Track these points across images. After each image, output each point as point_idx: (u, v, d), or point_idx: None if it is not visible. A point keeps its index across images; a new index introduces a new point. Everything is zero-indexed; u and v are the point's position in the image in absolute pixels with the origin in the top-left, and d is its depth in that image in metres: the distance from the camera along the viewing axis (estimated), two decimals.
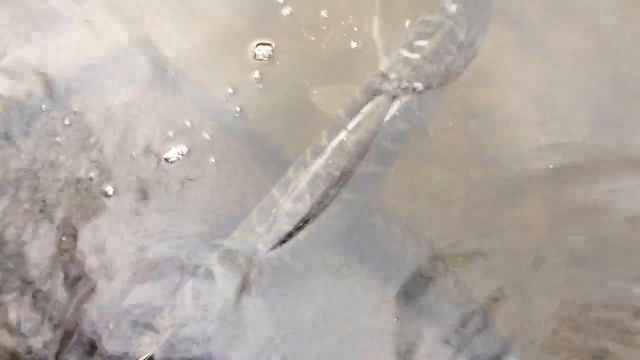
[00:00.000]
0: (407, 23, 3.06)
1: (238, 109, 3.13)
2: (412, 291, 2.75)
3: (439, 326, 2.71)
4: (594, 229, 2.79)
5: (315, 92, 2.93)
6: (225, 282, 2.60)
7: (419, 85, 2.76)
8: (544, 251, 2.77)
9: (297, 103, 3.11)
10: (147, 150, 3.02)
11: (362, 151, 2.66)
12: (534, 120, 2.95)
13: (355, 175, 2.66)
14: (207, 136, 3.05)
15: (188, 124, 3.09)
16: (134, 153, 3.01)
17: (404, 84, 2.75)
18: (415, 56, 2.78)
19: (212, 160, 3.01)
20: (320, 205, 2.62)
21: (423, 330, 2.68)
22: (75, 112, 3.09)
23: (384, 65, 2.88)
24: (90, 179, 2.93)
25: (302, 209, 2.60)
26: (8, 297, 2.72)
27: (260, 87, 3.14)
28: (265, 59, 3.17)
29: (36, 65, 3.19)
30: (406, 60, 2.79)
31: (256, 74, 3.15)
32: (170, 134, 3.05)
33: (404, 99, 2.74)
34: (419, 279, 2.78)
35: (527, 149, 2.91)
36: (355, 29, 3.17)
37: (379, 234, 2.87)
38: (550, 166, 2.88)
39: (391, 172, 2.84)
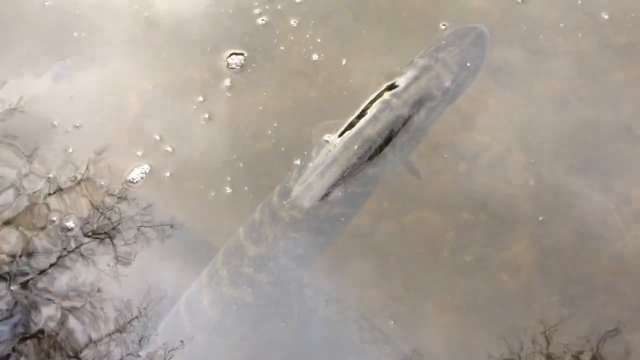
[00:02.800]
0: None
1: (206, 115, 3.00)
2: None
3: None
4: (583, 270, 2.76)
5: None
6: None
7: (395, 129, 2.56)
8: (534, 292, 2.74)
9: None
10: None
11: (328, 194, 2.48)
12: (520, 162, 2.94)
13: (319, 218, 2.49)
14: (169, 149, 2.95)
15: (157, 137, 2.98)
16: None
17: (380, 126, 2.54)
18: (395, 101, 2.58)
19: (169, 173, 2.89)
20: (280, 248, 2.49)
21: None
22: None
23: (365, 107, 2.68)
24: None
25: (262, 252, 2.49)
26: None
27: (229, 95, 3.05)
28: (237, 67, 3.09)
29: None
30: (386, 102, 2.59)
31: (227, 82, 3.06)
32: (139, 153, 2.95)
33: (378, 142, 2.53)
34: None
35: (516, 190, 2.89)
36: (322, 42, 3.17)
37: None
38: (538, 207, 2.86)
39: (358, 212, 2.71)
